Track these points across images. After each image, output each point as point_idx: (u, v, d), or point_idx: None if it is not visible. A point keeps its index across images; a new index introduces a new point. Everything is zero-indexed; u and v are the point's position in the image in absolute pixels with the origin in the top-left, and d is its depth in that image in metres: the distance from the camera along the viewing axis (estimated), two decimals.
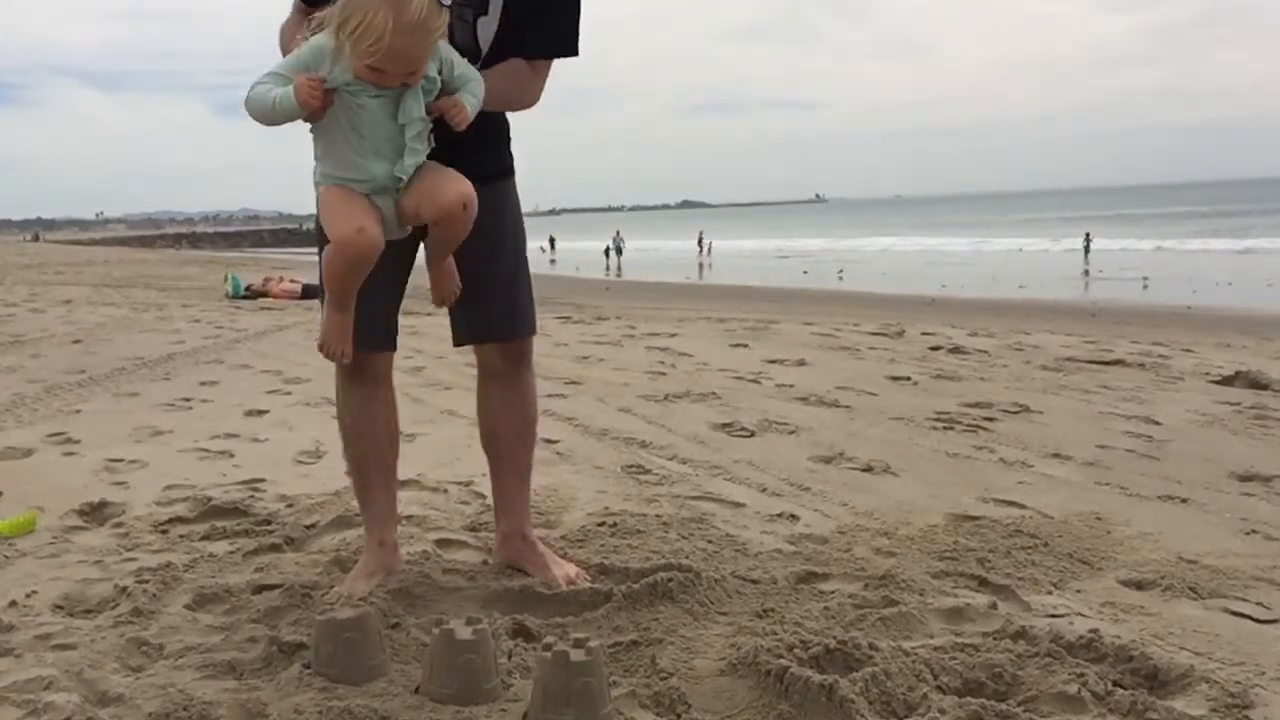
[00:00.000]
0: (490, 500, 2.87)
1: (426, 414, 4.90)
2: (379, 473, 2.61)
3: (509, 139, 2.58)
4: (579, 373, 6.29)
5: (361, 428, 2.59)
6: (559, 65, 2.46)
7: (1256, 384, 5.63)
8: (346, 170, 2.17)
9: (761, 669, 1.99)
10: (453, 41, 2.22)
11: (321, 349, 2.29)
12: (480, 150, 2.42)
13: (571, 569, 2.59)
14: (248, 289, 14.27)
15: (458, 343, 2.67)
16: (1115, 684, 1.97)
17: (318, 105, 2.06)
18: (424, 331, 7.82)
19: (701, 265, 35.54)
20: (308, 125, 2.17)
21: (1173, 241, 36.47)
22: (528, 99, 2.45)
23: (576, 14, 2.43)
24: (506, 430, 2.68)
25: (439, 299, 2.40)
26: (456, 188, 2.19)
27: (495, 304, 2.56)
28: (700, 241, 44.04)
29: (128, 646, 2.19)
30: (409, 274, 2.56)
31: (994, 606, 2.41)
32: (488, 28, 2.32)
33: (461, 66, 2.20)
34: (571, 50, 2.44)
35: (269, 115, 2.09)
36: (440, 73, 2.15)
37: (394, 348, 2.60)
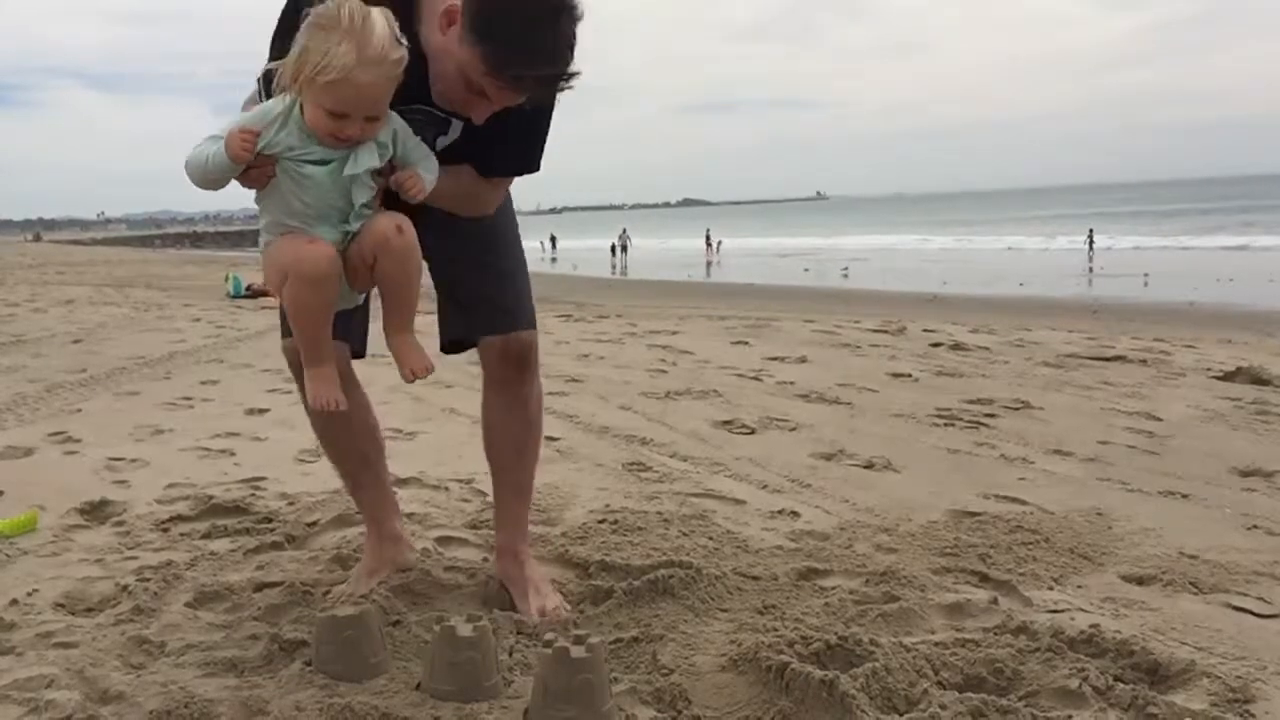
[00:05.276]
0: (491, 498, 2.87)
1: (427, 412, 4.90)
2: (365, 472, 2.58)
3: None
4: (580, 370, 6.29)
5: (334, 434, 2.53)
6: None
7: (1258, 379, 5.63)
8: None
9: (762, 665, 1.99)
10: None
11: (313, 405, 2.17)
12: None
13: (551, 601, 2.43)
14: (248, 288, 14.25)
15: (450, 348, 2.55)
16: (1116, 679, 1.98)
17: (246, 155, 1.97)
18: (423, 331, 7.80)
19: (710, 264, 34.26)
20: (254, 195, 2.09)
21: (1174, 238, 36.34)
22: (481, 206, 2.35)
23: (545, 137, 2.30)
24: (505, 443, 2.57)
25: (409, 373, 2.17)
26: (388, 215, 2.09)
27: (492, 297, 2.46)
28: (708, 240, 42.82)
29: (129, 644, 2.19)
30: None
31: (995, 602, 2.41)
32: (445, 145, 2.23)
33: (414, 142, 2.11)
34: (535, 168, 2.35)
35: (203, 171, 2.01)
36: (394, 142, 2.06)
37: (362, 353, 2.49)
